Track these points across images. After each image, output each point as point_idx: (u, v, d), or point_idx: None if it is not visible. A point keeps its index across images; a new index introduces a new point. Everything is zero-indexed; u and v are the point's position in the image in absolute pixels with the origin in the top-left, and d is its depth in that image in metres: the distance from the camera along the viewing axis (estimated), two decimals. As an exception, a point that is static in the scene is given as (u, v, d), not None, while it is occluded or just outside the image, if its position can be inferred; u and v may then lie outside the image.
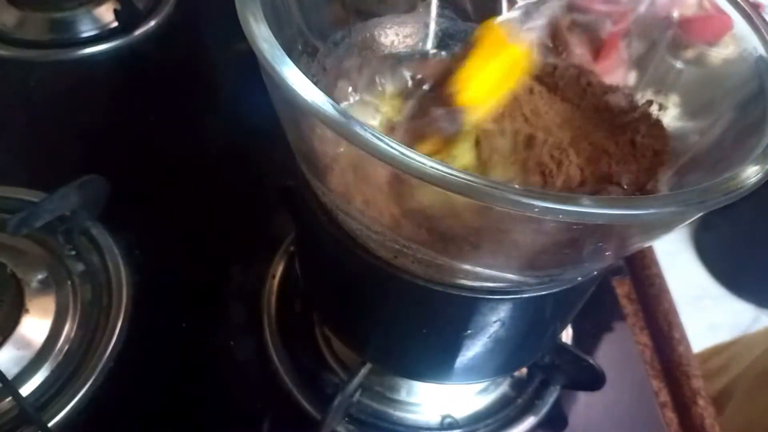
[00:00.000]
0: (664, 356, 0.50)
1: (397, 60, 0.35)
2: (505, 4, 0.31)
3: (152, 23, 0.69)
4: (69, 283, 0.45)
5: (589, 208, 0.18)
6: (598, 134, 0.31)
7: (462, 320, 0.30)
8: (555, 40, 0.36)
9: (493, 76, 0.29)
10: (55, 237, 0.46)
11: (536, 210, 0.18)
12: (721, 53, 0.30)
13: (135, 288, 0.46)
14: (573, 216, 0.19)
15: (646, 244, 0.51)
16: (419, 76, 0.33)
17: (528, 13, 0.30)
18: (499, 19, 0.30)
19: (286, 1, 0.29)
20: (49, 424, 0.38)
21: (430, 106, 0.30)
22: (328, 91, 0.30)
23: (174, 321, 0.45)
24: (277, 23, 0.24)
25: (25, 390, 0.39)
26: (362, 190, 0.25)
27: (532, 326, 0.33)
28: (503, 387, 0.45)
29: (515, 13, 0.30)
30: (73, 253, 0.47)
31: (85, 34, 0.66)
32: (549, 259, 0.26)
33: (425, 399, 0.43)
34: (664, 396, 0.48)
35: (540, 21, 0.30)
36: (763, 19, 0.28)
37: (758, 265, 1.52)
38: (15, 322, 0.41)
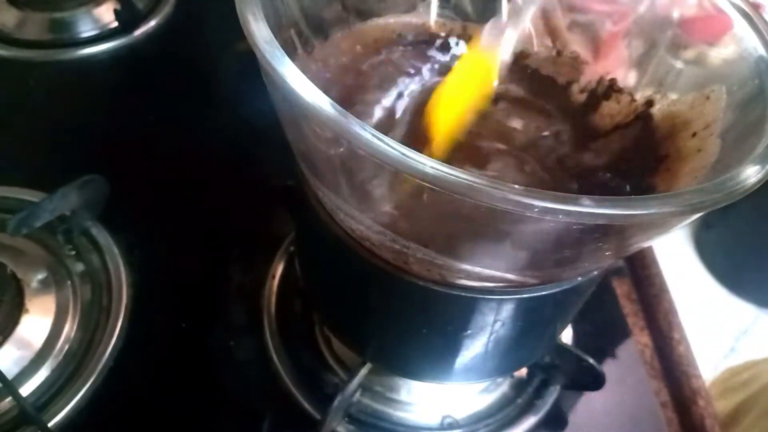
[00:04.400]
0: (664, 356, 0.50)
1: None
2: (504, 4, 0.31)
3: (152, 23, 0.69)
4: (69, 283, 0.45)
5: (589, 208, 0.18)
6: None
7: (462, 320, 0.30)
8: (554, 40, 0.36)
9: (461, 100, 0.29)
10: (55, 237, 0.47)
11: (536, 210, 0.18)
12: (721, 53, 0.30)
13: (135, 288, 0.46)
14: (573, 216, 0.19)
15: (646, 244, 0.51)
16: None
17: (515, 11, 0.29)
18: (488, 25, 0.29)
19: (286, 1, 0.29)
20: (50, 424, 0.38)
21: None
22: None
23: (174, 321, 0.45)
24: (277, 23, 0.24)
25: (25, 390, 0.39)
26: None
27: (532, 326, 0.33)
28: (503, 387, 0.45)
29: (501, 18, 0.29)
30: (73, 253, 0.47)
31: (85, 34, 0.66)
32: (549, 259, 0.26)
33: (425, 399, 0.43)
34: (665, 396, 0.48)
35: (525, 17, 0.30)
36: (763, 19, 0.28)
37: (758, 265, 1.52)
38: (15, 322, 0.41)
